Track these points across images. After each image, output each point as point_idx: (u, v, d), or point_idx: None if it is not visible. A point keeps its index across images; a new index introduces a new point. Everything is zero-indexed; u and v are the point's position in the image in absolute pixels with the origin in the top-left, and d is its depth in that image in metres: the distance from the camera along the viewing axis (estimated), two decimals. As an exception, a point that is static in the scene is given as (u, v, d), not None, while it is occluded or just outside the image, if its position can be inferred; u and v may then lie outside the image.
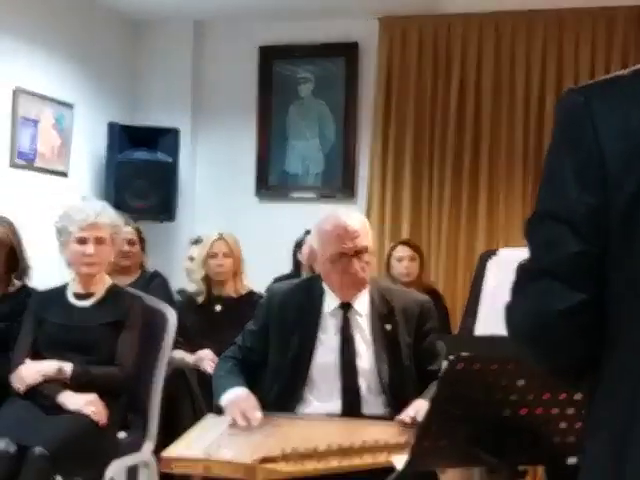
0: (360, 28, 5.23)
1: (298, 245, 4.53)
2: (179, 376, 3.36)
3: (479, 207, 5.02)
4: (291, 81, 5.44)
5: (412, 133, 5.13)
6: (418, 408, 2.23)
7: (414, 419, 2.19)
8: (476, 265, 2.91)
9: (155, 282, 3.88)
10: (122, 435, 2.92)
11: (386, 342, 2.43)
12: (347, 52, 5.31)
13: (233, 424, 2.24)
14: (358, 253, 2.38)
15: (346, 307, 2.47)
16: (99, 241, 2.94)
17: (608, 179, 1.03)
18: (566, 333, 1.07)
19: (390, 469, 1.93)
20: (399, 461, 1.87)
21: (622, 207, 1.02)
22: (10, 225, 3.19)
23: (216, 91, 5.53)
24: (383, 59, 5.18)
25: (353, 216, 2.48)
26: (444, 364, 1.68)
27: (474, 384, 1.63)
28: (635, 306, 1.03)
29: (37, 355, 2.89)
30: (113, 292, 3.03)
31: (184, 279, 4.40)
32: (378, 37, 5.20)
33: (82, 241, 2.92)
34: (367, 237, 2.43)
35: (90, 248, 2.92)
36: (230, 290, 3.80)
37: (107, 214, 3.01)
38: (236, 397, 2.34)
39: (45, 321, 2.95)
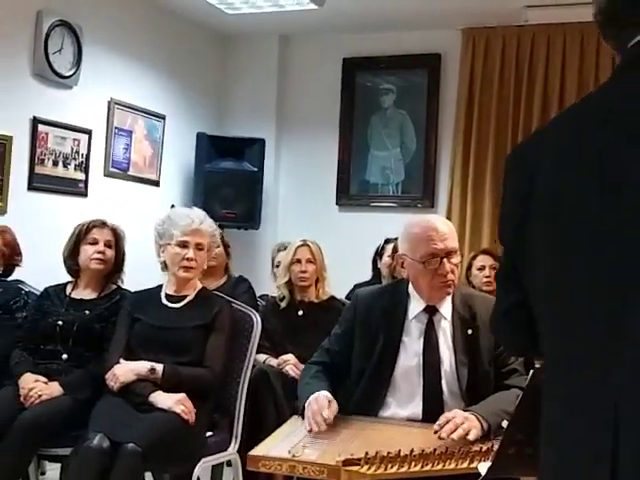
0: (443, 39, 5.26)
1: (378, 253, 4.58)
2: (263, 379, 3.42)
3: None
4: (373, 92, 5.50)
5: (494, 142, 5.12)
6: (443, 420, 2.21)
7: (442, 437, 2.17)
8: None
9: (241, 287, 3.98)
10: (209, 434, 3.00)
11: (467, 347, 2.43)
12: (430, 63, 5.35)
13: (309, 430, 2.28)
14: (448, 254, 2.40)
15: (431, 310, 2.48)
16: (199, 247, 3.07)
17: (514, 215, 1.25)
18: (509, 328, 1.35)
19: (473, 475, 1.94)
20: (484, 468, 1.89)
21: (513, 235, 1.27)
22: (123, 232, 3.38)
23: (300, 102, 5.64)
24: (466, 70, 5.19)
25: (441, 219, 2.53)
26: (530, 372, 1.68)
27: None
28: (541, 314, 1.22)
29: (130, 354, 3.00)
30: (203, 295, 3.14)
31: (267, 285, 4.51)
32: (461, 48, 5.22)
33: (184, 245, 3.05)
34: (455, 240, 2.45)
35: (190, 252, 3.04)
36: (312, 295, 3.85)
37: (208, 222, 3.15)
38: (310, 401, 2.36)
39: (138, 321, 3.06)
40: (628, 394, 1.02)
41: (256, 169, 5.28)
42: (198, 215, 3.14)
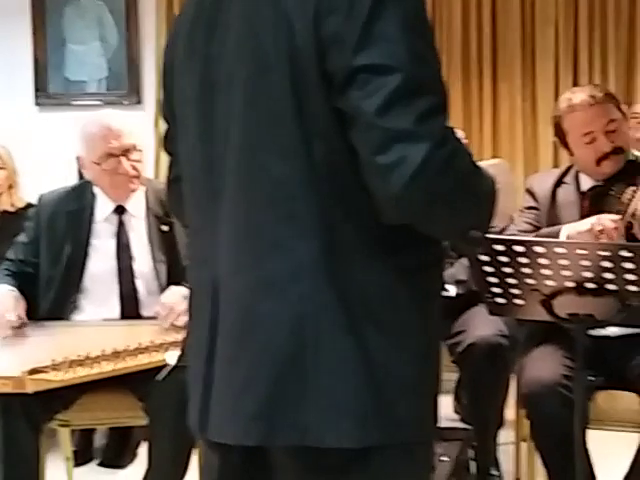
0: None
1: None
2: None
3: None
4: (63, -19, 5.09)
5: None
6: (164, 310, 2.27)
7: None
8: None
9: None
10: None
11: (163, 243, 2.45)
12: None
13: None
14: (126, 152, 2.38)
15: (120, 210, 2.46)
16: None
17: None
18: (172, 199, 1.45)
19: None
20: (172, 357, 1.89)
21: None
22: None
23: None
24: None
25: (116, 115, 2.48)
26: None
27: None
28: None
29: None
30: None
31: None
32: None
33: None
34: (132, 135, 2.42)
35: None
36: (6, 204, 3.64)
37: None
38: None
39: None
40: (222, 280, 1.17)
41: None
42: None
